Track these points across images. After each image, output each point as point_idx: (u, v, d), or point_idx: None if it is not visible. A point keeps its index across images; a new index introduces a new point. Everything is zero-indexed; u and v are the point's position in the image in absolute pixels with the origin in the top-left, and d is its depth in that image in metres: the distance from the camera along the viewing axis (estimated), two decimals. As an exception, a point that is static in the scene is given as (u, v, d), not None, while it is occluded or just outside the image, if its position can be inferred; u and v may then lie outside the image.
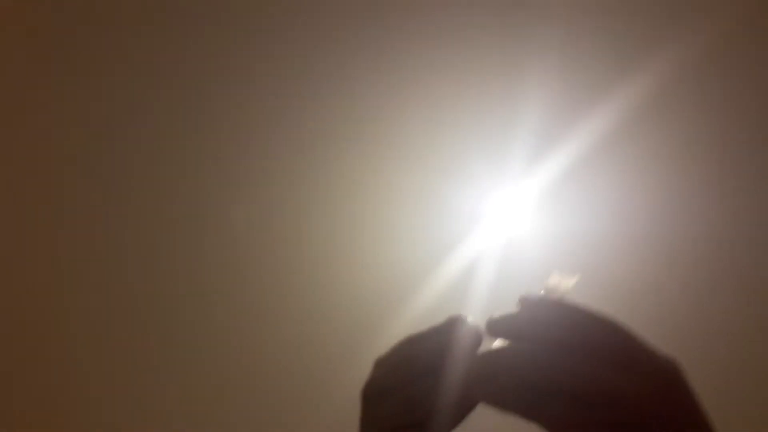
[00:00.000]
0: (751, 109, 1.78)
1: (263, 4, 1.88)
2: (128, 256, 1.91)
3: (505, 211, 1.81)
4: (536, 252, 1.77)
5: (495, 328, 0.53)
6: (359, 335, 1.76)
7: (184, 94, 1.90)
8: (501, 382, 0.50)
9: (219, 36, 1.89)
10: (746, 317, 1.71)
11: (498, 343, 0.55)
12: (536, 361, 0.49)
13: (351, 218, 1.87)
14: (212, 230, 1.90)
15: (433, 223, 1.82)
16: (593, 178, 1.79)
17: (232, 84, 1.90)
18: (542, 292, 0.59)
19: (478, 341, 0.58)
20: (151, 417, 1.87)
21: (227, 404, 1.87)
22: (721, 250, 1.76)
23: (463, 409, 0.58)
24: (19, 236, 1.94)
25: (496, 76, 1.81)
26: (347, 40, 1.86)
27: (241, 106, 1.89)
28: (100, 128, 1.92)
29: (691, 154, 1.79)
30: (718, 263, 1.75)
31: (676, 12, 1.76)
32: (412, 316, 1.77)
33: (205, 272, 1.90)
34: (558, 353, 0.49)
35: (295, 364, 1.85)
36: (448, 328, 0.59)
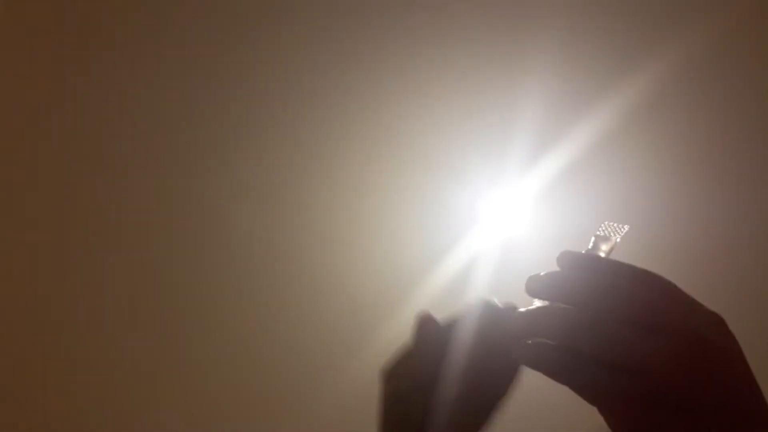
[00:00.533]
0: (750, 109, 1.78)
1: (265, 3, 1.88)
2: (130, 256, 1.91)
3: (503, 211, 1.81)
4: (534, 252, 1.77)
5: (534, 288, 0.52)
6: (359, 334, 1.76)
7: (185, 93, 1.90)
8: (537, 343, 0.50)
9: (221, 35, 1.89)
10: (746, 317, 1.70)
11: (537, 303, 0.54)
12: (571, 324, 0.48)
13: (349, 218, 1.87)
14: (213, 230, 1.90)
15: (431, 223, 1.82)
16: (591, 178, 1.79)
17: (232, 84, 1.89)
18: (592, 239, 0.58)
19: (512, 312, 0.57)
20: (153, 417, 1.87)
21: (227, 405, 1.87)
22: (720, 249, 1.75)
23: (509, 376, 0.58)
24: (21, 238, 1.93)
25: (494, 76, 1.81)
26: (346, 40, 1.86)
27: (240, 106, 1.89)
28: (100, 129, 1.92)
29: (689, 154, 1.79)
30: (717, 263, 1.75)
31: (676, 12, 1.76)
32: (410, 316, 1.77)
33: (205, 272, 1.90)
34: (593, 316, 0.48)
35: (291, 363, 1.85)
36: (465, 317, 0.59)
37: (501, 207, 1.81)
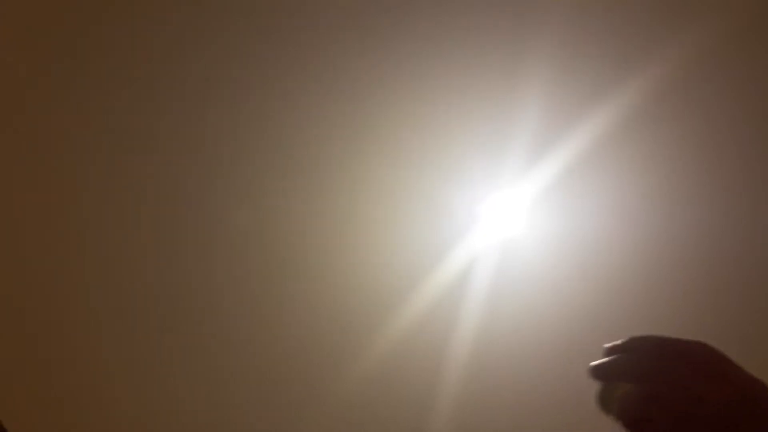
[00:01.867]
0: (749, 111, 1.79)
1: (265, 4, 1.88)
2: (133, 257, 1.91)
3: (503, 213, 1.81)
4: (533, 253, 1.77)
5: (600, 373, 0.65)
6: (359, 335, 1.77)
7: (185, 94, 1.90)
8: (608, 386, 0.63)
9: (222, 36, 1.89)
10: (745, 316, 1.71)
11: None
12: (640, 366, 0.63)
13: (349, 219, 1.87)
14: (212, 231, 1.90)
15: (432, 224, 1.82)
16: (590, 179, 1.79)
17: (233, 85, 1.90)
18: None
19: None
20: (154, 418, 1.87)
21: (227, 404, 1.87)
22: (718, 250, 1.76)
23: None
24: (23, 241, 1.94)
25: (494, 78, 1.81)
26: (346, 41, 1.86)
27: (240, 107, 1.90)
28: (101, 130, 1.92)
29: (687, 155, 1.80)
30: (715, 263, 1.75)
31: (674, 14, 1.76)
32: (411, 316, 1.77)
33: (205, 273, 1.90)
34: (657, 363, 0.63)
35: (294, 363, 1.85)
36: None
37: (501, 208, 1.81)
